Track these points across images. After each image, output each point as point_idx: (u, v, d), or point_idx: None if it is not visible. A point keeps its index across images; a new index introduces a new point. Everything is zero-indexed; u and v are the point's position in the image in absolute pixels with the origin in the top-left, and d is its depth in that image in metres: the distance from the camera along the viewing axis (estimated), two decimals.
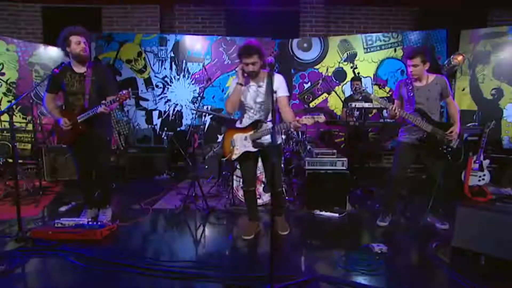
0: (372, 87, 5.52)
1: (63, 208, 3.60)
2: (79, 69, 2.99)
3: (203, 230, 3.11)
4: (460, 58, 5.07)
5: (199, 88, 5.51)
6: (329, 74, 5.55)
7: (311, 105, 5.62)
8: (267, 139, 2.66)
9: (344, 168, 3.60)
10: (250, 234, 2.81)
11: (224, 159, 2.85)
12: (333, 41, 5.50)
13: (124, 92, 2.90)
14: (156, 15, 5.95)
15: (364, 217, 3.42)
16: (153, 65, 5.57)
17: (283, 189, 3.15)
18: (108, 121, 3.23)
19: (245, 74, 2.59)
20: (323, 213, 3.48)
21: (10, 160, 4.53)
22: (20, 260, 2.36)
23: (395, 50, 5.48)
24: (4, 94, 5.25)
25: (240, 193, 3.71)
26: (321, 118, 2.48)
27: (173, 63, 5.55)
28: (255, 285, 1.99)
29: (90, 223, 2.87)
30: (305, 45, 5.51)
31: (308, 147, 4.02)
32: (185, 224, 3.25)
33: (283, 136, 4.00)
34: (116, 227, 3.01)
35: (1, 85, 5.17)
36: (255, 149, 2.67)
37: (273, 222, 2.04)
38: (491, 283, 2.14)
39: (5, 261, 2.33)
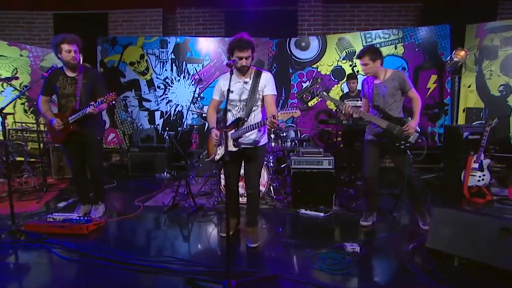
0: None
1: (61, 204, 3.80)
2: (71, 73, 3.17)
3: (184, 227, 3.19)
4: (462, 53, 4.89)
5: (198, 88, 5.62)
6: (328, 73, 5.51)
7: (309, 104, 5.59)
8: (249, 139, 2.56)
9: (330, 167, 3.57)
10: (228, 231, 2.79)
11: (208, 159, 2.81)
12: (332, 39, 5.44)
13: (111, 93, 3.05)
14: (159, 18, 6.12)
15: (350, 217, 3.38)
16: (155, 67, 5.73)
17: (260, 192, 3.11)
18: (98, 121, 3.37)
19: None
20: (308, 212, 3.47)
21: (20, 159, 4.84)
22: (9, 251, 2.54)
23: (395, 47, 5.35)
24: (19, 97, 5.57)
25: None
26: (296, 113, 2.38)
27: (173, 64, 5.69)
28: (214, 280, 2.03)
29: (78, 218, 3.03)
30: (303, 44, 5.49)
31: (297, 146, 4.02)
32: (168, 221, 3.35)
33: (272, 136, 4.04)
34: (104, 223, 3.16)
35: (15, 88, 5.50)
36: (236, 149, 2.52)
37: (227, 217, 2.04)
38: (462, 287, 2.08)
39: None
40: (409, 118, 2.96)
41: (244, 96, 2.54)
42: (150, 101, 5.81)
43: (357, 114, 3.00)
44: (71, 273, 2.28)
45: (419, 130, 2.91)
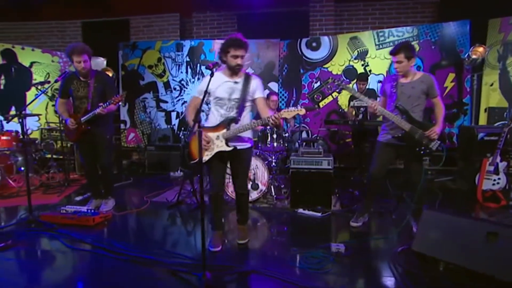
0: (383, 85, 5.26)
1: (78, 198, 4.11)
2: (83, 78, 3.45)
3: (180, 223, 3.34)
4: (481, 49, 4.65)
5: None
6: (339, 73, 5.44)
7: (320, 104, 5.55)
8: (240, 139, 2.55)
9: (329, 167, 3.56)
10: (217, 246, 2.61)
11: (193, 162, 2.59)
12: (343, 39, 5.37)
13: (118, 95, 3.29)
14: (176, 22, 6.37)
15: (347, 218, 3.33)
16: (171, 70, 5.98)
17: (249, 193, 3.02)
18: (108, 121, 3.60)
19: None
20: (306, 212, 3.49)
21: (49, 156, 5.28)
22: (23, 237, 2.83)
23: None
24: (50, 99, 6.08)
25: (230, 190, 3.87)
26: (301, 111, 2.36)
27: (188, 67, 5.90)
28: (192, 272, 2.13)
29: (87, 211, 3.28)
30: (313, 44, 5.46)
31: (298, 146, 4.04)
32: (168, 216, 3.51)
33: (274, 136, 4.08)
34: (110, 216, 3.39)
35: (47, 91, 6.00)
36: (230, 148, 2.48)
37: (202, 216, 2.12)
38: None
39: (12, 237, 2.82)
40: (431, 124, 2.81)
41: (235, 96, 2.51)
42: (166, 102, 6.07)
43: (380, 112, 2.81)
44: (70, 259, 2.50)
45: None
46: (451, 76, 5.10)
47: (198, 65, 5.86)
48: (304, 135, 5.60)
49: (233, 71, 2.52)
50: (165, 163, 5.63)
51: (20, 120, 3.12)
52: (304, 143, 4.54)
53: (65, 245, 2.68)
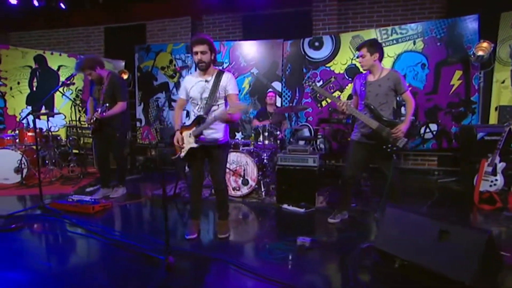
0: None
1: (89, 189, 4.52)
2: (98, 83, 3.89)
3: (168, 213, 3.55)
4: (485, 45, 4.47)
5: None
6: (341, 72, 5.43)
7: (323, 103, 5.58)
8: (211, 137, 2.67)
9: (314, 165, 3.63)
10: (193, 234, 2.81)
11: (174, 157, 2.81)
12: (345, 38, 5.35)
13: (106, 105, 3.76)
14: (188, 25, 6.67)
15: (330, 214, 3.40)
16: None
17: (227, 188, 3.04)
18: (117, 120, 3.91)
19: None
20: (290, 207, 3.59)
21: (75, 151, 5.80)
22: (32, 221, 3.24)
23: (414, 43, 5.04)
24: (74, 99, 6.65)
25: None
26: (244, 106, 2.52)
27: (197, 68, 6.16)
28: (158, 256, 2.35)
29: (89, 200, 3.63)
30: (316, 43, 5.50)
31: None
32: (161, 207, 3.77)
33: (266, 134, 4.20)
34: (110, 205, 3.72)
35: (72, 92, 6.57)
36: (196, 145, 2.64)
37: (164, 201, 2.31)
38: None
39: (23, 220, 3.22)
40: (399, 121, 2.83)
41: (205, 95, 2.64)
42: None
43: (349, 111, 2.89)
44: (63, 240, 2.84)
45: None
46: (458, 73, 4.91)
47: None
48: (307, 133, 5.66)
49: (199, 68, 2.66)
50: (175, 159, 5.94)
51: (33, 119, 3.53)
52: (302, 142, 4.63)
53: (62, 228, 3.03)
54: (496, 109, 4.91)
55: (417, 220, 2.25)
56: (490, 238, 1.92)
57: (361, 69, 5.22)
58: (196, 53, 2.58)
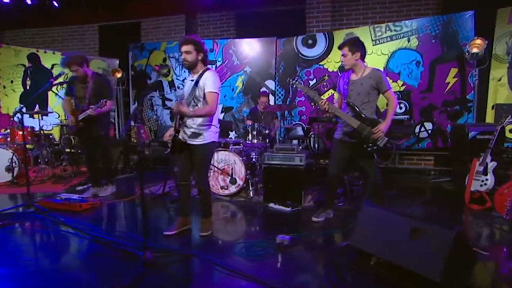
0: None
1: (79, 188, 4.66)
2: (82, 81, 3.96)
3: (153, 211, 3.68)
4: (478, 41, 4.52)
5: None
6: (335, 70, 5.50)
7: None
8: (193, 136, 2.79)
9: (301, 164, 3.71)
10: (172, 230, 2.89)
11: (166, 152, 3.10)
12: (339, 35, 5.42)
13: (103, 101, 3.75)
14: (182, 24, 6.79)
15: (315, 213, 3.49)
16: (175, 69, 6.41)
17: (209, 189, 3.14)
18: (102, 119, 4.01)
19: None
20: (275, 206, 3.68)
21: (68, 150, 5.95)
22: (19, 219, 3.37)
23: (408, 40, 5.10)
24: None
25: (210, 184, 4.16)
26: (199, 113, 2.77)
27: None
28: (137, 252, 2.45)
29: (76, 198, 3.76)
30: (309, 41, 5.58)
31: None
32: (148, 205, 3.88)
33: (254, 132, 4.29)
34: (98, 203, 3.85)
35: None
36: (183, 140, 2.81)
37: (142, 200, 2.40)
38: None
39: (11, 218, 3.36)
40: (381, 120, 2.93)
41: (190, 93, 2.78)
42: (171, 100, 6.51)
43: (331, 110, 2.96)
44: (48, 237, 2.95)
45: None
46: (454, 71, 4.96)
47: None
48: (300, 132, 5.73)
49: (188, 68, 2.82)
50: (168, 158, 6.06)
51: (20, 117, 3.67)
52: (295, 141, 4.71)
53: (48, 226, 3.16)
54: (492, 107, 4.94)
55: (391, 218, 2.33)
56: (458, 235, 1.99)
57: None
58: (182, 53, 2.75)
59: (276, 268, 2.37)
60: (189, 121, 2.80)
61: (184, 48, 2.72)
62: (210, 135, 2.86)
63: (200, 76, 2.78)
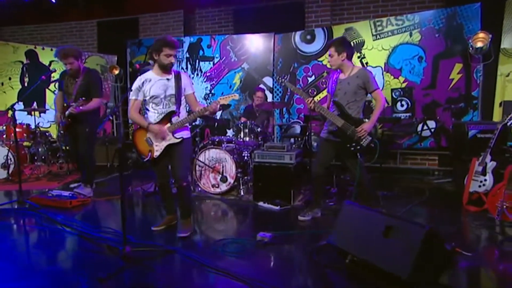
0: (383, 77, 5.31)
1: (73, 185, 4.88)
2: (73, 76, 4.14)
3: (143, 209, 3.87)
4: (482, 35, 4.55)
5: (210, 85, 6.28)
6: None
7: (316, 99, 5.73)
8: (178, 133, 2.90)
9: (291, 162, 3.83)
10: (159, 226, 3.08)
11: (145, 159, 2.94)
12: (338, 30, 5.49)
13: (81, 99, 3.90)
14: (180, 19, 6.98)
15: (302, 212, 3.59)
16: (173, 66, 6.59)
17: (189, 185, 3.26)
18: (88, 117, 4.12)
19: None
20: (265, 205, 3.81)
21: (63, 148, 6.20)
22: (11, 215, 3.60)
23: (410, 35, 5.14)
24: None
25: (202, 182, 4.34)
26: (235, 96, 3.03)
27: (188, 63, 6.47)
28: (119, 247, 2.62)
29: (67, 195, 3.97)
30: (308, 37, 5.67)
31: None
32: (138, 203, 4.09)
33: (246, 130, 4.43)
34: (89, 200, 4.06)
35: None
36: (178, 140, 2.88)
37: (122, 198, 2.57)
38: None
39: (2, 214, 3.60)
40: (366, 120, 3.03)
41: (170, 92, 2.89)
42: None
43: (317, 109, 3.09)
44: (37, 232, 3.17)
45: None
46: (458, 66, 4.98)
47: (197, 61, 6.40)
48: (298, 130, 5.84)
49: (165, 69, 2.92)
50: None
51: (13, 114, 3.90)
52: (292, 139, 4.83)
53: (37, 222, 3.37)
54: (500, 104, 4.94)
55: (369, 217, 2.43)
56: (430, 233, 2.08)
57: (355, 63, 5.42)
58: (169, 55, 2.85)
59: (253, 264, 2.49)
60: (179, 120, 2.94)
61: (174, 51, 2.89)
62: (189, 131, 3.11)
63: (177, 77, 3.00)
